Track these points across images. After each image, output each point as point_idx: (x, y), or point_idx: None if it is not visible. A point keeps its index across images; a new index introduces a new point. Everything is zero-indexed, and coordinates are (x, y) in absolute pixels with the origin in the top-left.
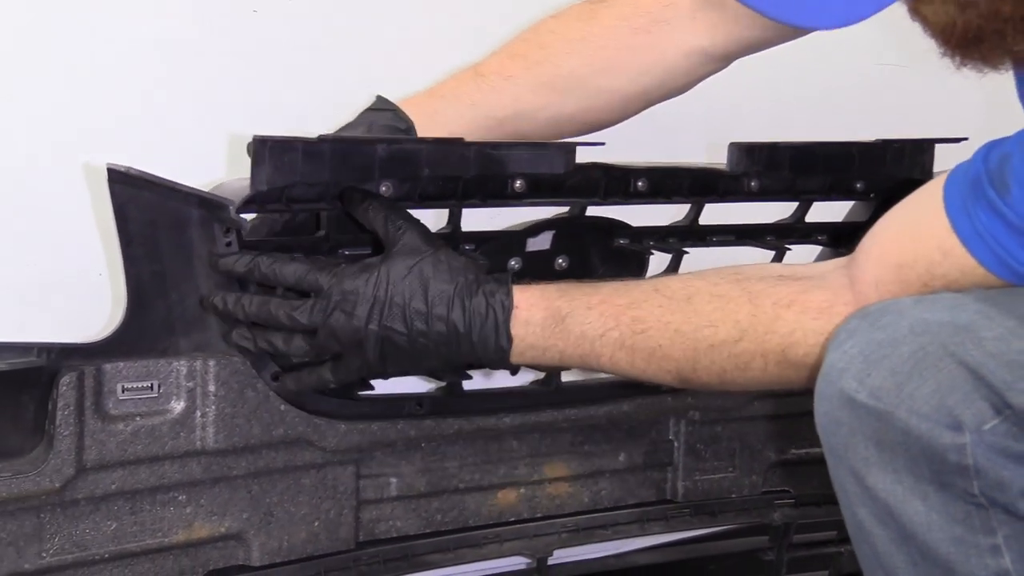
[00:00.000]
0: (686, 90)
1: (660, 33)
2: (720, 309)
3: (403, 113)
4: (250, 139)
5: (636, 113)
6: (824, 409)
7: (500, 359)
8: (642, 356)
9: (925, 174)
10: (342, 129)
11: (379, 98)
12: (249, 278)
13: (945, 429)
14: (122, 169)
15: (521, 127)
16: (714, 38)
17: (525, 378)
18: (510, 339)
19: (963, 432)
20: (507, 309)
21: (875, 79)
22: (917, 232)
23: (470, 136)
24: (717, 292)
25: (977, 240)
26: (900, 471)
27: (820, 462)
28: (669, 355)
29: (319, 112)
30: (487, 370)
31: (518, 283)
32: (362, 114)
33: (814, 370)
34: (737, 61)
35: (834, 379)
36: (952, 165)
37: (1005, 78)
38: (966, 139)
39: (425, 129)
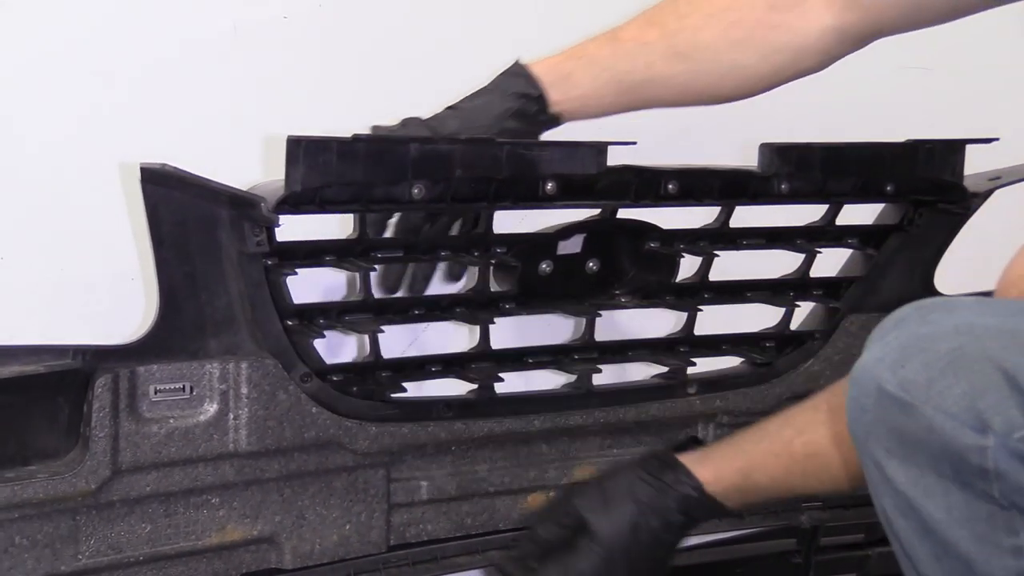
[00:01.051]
0: (820, 69)
1: (796, 11)
2: None
3: (535, 79)
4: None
5: (767, 90)
6: (853, 394)
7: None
8: (832, 472)
9: (956, 175)
10: (476, 95)
11: (516, 63)
12: None
13: (969, 430)
14: (156, 167)
15: (652, 93)
16: (849, 18)
17: (555, 381)
18: (713, 508)
19: (987, 435)
20: (697, 487)
21: (899, 83)
22: None
23: (601, 99)
24: None
25: None
26: (922, 467)
27: None
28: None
29: (348, 115)
30: (521, 372)
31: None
32: (496, 79)
33: None
34: None
35: (869, 367)
36: (983, 166)
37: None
38: (997, 139)
39: (558, 89)
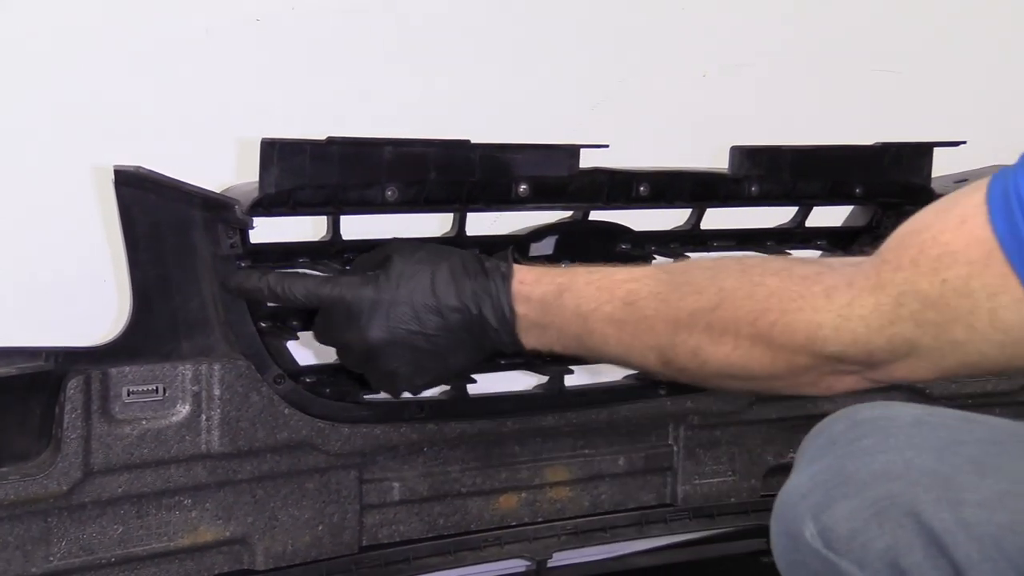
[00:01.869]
0: None
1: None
2: (711, 278)
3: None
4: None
5: None
6: (777, 529)
7: (510, 336)
8: (629, 330)
9: (924, 178)
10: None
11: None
12: (258, 297)
13: None
14: (129, 169)
15: None
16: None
17: (528, 382)
18: (513, 311)
19: None
20: (507, 278)
21: (870, 85)
22: (945, 206)
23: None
24: (714, 264)
25: (1001, 201)
26: None
27: None
28: (653, 327)
29: (320, 117)
30: (492, 374)
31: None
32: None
33: (783, 353)
34: (736, 70)
35: (793, 503)
36: (951, 169)
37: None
38: (964, 142)
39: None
